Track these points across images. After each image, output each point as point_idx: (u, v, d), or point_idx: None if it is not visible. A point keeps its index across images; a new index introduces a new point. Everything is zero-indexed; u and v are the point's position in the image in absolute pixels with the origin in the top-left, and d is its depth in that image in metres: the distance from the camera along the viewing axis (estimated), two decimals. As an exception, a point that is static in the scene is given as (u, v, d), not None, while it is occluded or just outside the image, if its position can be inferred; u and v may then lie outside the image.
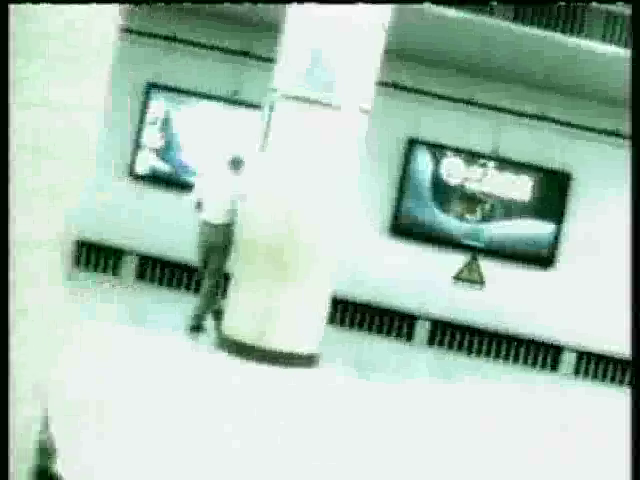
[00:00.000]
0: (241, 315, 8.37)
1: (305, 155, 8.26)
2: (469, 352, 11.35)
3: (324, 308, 8.59)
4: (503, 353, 11.38)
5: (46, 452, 3.73)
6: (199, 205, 8.94)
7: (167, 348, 8.29)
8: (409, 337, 11.40)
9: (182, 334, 8.72)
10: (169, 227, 10.99)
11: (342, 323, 11.28)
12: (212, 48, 11.18)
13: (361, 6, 8.05)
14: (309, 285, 8.34)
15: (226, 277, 8.82)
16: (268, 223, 8.24)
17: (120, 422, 5.74)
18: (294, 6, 8.23)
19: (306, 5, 8.11)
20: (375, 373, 9.09)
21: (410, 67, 11.13)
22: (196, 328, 8.80)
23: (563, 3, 9.44)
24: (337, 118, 8.25)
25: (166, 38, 11.21)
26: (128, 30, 11.11)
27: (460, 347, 11.37)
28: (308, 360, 8.41)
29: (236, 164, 8.97)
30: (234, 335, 8.36)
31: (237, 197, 8.76)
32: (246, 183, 8.74)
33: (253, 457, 5.60)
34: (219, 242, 8.80)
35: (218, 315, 8.81)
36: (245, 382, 7.62)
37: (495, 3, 9.37)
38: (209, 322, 8.93)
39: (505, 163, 11.42)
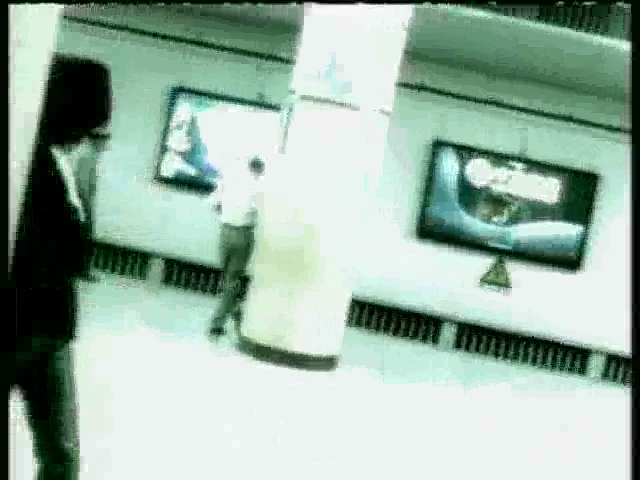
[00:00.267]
0: (260, 317, 8.36)
1: (324, 156, 8.22)
2: (495, 355, 11.25)
3: (343, 310, 8.54)
4: (530, 356, 11.25)
5: (70, 460, 3.68)
6: (219, 207, 8.95)
7: (187, 350, 8.30)
8: (435, 340, 11.33)
9: (202, 336, 8.72)
10: (195, 230, 11.00)
11: (368, 326, 11.24)
12: (236, 51, 11.22)
13: (380, 6, 8.00)
14: (328, 287, 8.30)
15: (247, 279, 8.82)
16: (286, 224, 8.22)
17: (135, 420, 5.75)
18: (312, 7, 8.21)
19: (324, 6, 8.08)
20: (396, 376, 9.02)
21: (435, 69, 11.08)
22: (216, 331, 8.79)
23: (589, 3, 9.32)
24: (356, 119, 8.20)
25: (191, 42, 11.26)
26: (153, 35, 11.23)
27: (487, 350, 11.27)
28: (328, 362, 8.37)
29: (256, 166, 8.96)
30: (254, 337, 8.35)
31: (257, 199, 8.75)
32: (263, 184, 8.74)
33: (266, 458, 5.58)
34: (239, 244, 8.80)
35: (238, 317, 8.81)
36: (264, 384, 7.61)
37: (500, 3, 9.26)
38: (229, 324, 8.93)
39: (532, 165, 11.31)
